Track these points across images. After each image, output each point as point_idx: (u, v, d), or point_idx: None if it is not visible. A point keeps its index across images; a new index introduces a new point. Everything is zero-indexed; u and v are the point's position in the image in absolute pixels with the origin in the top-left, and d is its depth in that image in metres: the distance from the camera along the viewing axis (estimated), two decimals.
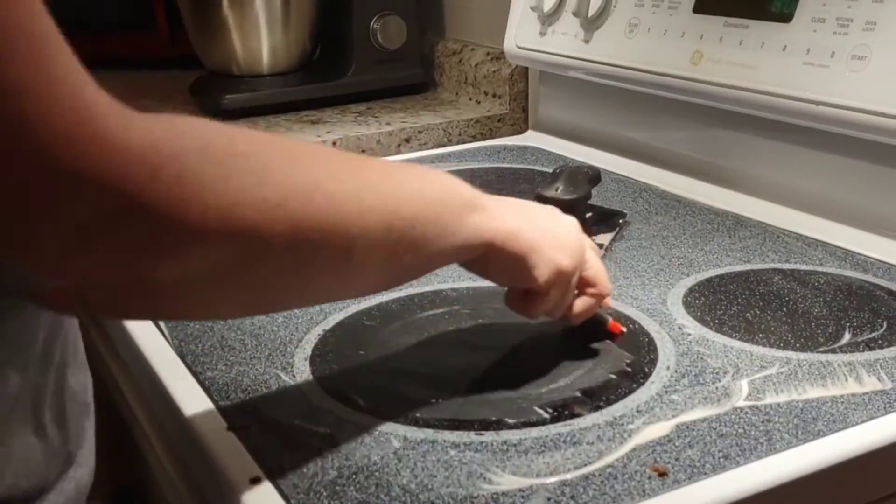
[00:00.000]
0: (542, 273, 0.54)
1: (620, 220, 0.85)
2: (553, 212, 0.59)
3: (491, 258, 0.53)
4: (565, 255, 0.55)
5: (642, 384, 0.57)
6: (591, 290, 0.60)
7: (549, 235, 0.55)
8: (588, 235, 0.79)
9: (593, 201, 0.83)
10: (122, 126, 0.36)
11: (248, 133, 0.43)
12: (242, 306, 0.48)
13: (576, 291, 0.59)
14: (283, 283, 0.45)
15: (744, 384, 0.56)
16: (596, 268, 0.60)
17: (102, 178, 0.35)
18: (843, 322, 0.64)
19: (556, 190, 0.78)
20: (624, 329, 0.64)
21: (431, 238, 0.49)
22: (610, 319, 0.64)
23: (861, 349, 0.60)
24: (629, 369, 0.59)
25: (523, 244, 0.53)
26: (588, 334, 0.63)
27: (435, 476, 0.48)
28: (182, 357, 0.62)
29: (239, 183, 0.40)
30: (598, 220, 0.83)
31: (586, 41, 1.05)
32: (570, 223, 0.59)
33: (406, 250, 0.48)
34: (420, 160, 1.10)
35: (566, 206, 0.79)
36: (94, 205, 0.36)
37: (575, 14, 1.06)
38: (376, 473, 0.49)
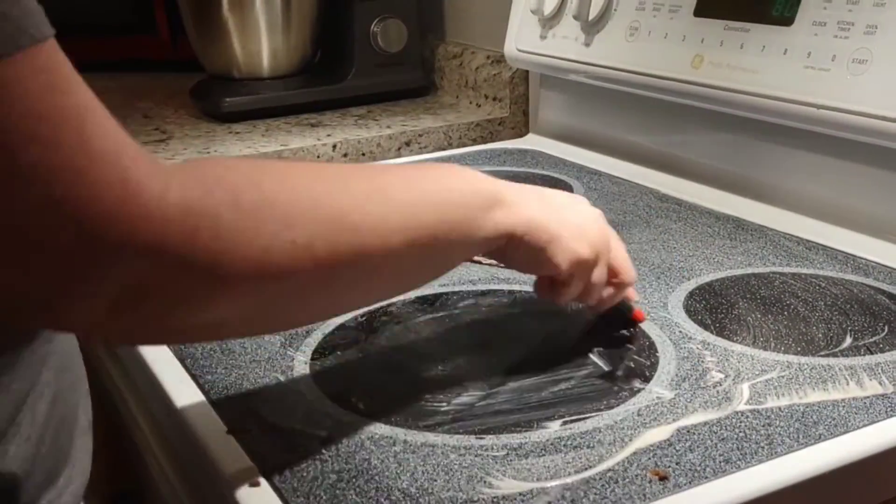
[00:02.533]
0: (562, 262, 0.56)
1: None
2: (576, 201, 0.60)
3: (511, 248, 0.54)
4: (585, 245, 0.56)
5: (643, 387, 0.57)
6: (614, 280, 0.61)
7: (570, 225, 0.56)
8: None
9: None
10: (159, 192, 0.37)
11: (272, 170, 0.45)
12: (266, 330, 0.53)
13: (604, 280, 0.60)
14: (309, 309, 0.48)
15: (745, 388, 0.56)
16: (620, 257, 0.61)
17: (144, 248, 0.37)
18: (844, 326, 0.64)
19: None
20: (644, 317, 0.66)
21: (454, 241, 0.51)
22: (635, 308, 0.65)
23: (862, 353, 0.60)
24: (629, 371, 0.59)
25: (543, 235, 0.54)
26: (613, 322, 0.65)
27: (435, 480, 0.48)
28: (181, 360, 0.62)
29: (269, 230, 0.41)
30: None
31: (587, 44, 1.05)
32: (593, 214, 0.60)
33: (430, 257, 0.51)
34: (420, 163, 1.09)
35: None
36: (136, 272, 0.37)
37: (575, 17, 1.06)
38: (376, 477, 0.49)
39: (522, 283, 0.73)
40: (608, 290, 0.61)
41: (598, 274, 0.59)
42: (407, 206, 0.48)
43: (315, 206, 0.44)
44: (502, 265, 0.59)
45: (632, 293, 0.65)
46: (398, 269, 0.49)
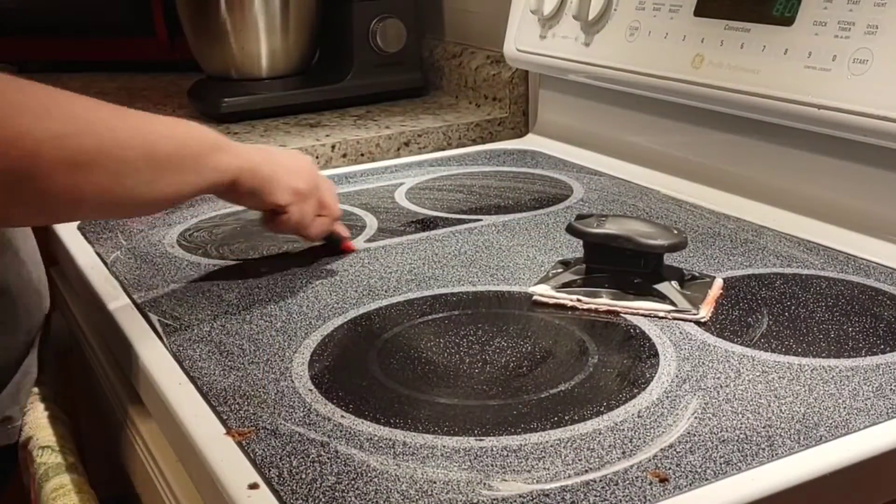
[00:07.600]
0: (282, 195, 0.71)
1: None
2: (291, 151, 0.77)
3: (238, 188, 0.68)
4: (300, 179, 0.72)
5: (643, 389, 0.57)
6: (324, 212, 0.75)
7: (285, 166, 0.72)
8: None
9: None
10: None
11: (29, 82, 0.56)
12: (28, 215, 0.61)
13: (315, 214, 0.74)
14: (56, 196, 0.57)
15: (745, 389, 0.56)
16: (328, 193, 0.76)
17: None
18: (844, 327, 0.64)
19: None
20: (356, 248, 0.80)
21: (185, 170, 0.64)
22: (346, 240, 0.80)
23: (863, 354, 0.60)
24: (630, 373, 0.58)
25: (263, 173, 0.69)
26: (327, 251, 0.80)
27: (434, 482, 0.48)
28: (180, 362, 0.62)
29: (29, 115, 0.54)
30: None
31: (587, 44, 1.05)
32: (306, 159, 0.75)
33: (161, 178, 0.62)
34: (420, 163, 1.10)
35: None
36: None
37: (575, 17, 1.06)
38: (375, 479, 0.48)
39: (523, 284, 0.73)
40: (320, 221, 0.75)
41: (311, 206, 0.73)
42: (144, 134, 0.61)
43: (71, 110, 0.57)
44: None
45: (342, 229, 0.80)
46: (133, 182, 0.60)
